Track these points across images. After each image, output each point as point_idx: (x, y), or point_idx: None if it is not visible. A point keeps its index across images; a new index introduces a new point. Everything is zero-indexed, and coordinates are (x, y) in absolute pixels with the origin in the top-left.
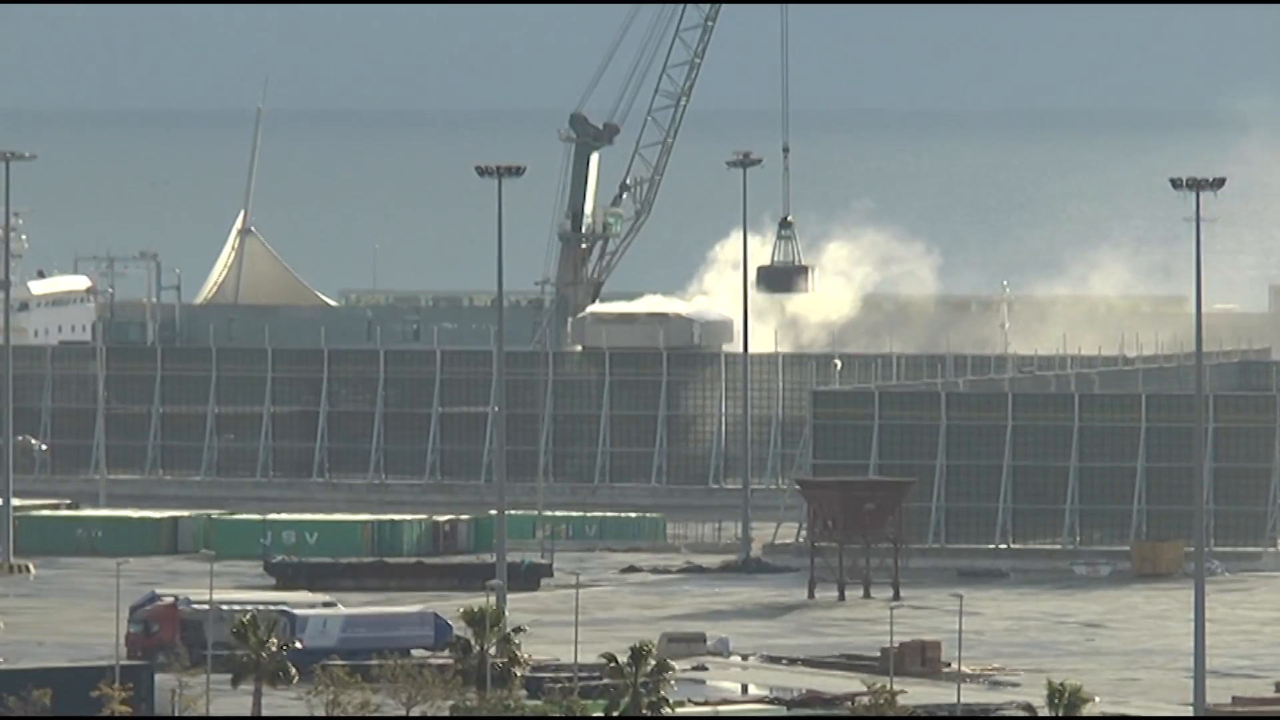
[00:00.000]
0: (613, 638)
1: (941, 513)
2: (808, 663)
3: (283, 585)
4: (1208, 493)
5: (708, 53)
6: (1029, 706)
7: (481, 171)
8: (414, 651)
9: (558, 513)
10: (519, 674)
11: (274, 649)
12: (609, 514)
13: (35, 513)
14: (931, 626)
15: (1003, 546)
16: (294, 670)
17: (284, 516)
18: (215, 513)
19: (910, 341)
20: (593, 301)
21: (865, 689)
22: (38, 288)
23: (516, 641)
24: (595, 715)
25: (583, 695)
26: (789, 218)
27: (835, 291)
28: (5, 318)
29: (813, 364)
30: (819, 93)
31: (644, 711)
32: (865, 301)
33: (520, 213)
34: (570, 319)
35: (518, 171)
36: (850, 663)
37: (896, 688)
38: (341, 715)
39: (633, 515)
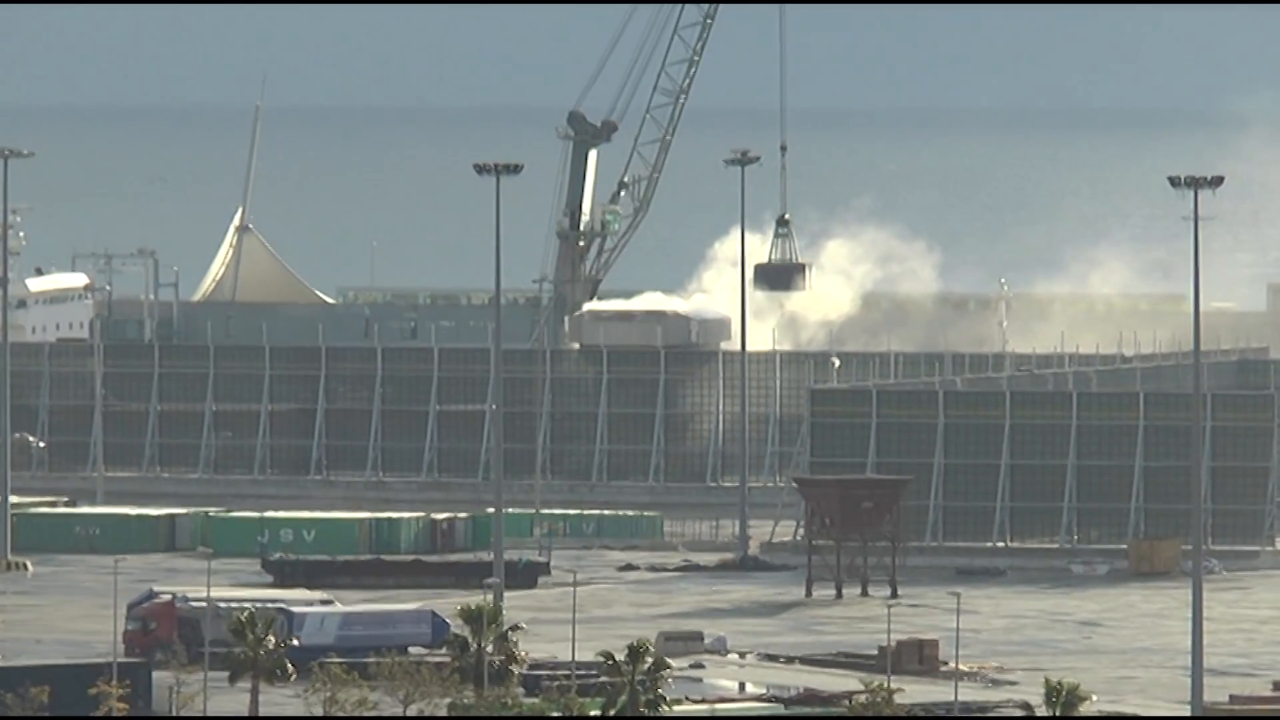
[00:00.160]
0: (610, 636)
1: (939, 511)
2: (805, 661)
3: (280, 583)
4: (1205, 491)
5: (706, 50)
6: (1026, 705)
7: (479, 169)
8: (411, 649)
9: (555, 511)
10: (516, 672)
11: (271, 646)
12: (606, 512)
13: (33, 510)
14: (929, 625)
15: (1000, 545)
16: (291, 668)
17: (281, 514)
18: (213, 510)
19: (908, 340)
20: (590, 299)
21: (863, 687)
22: (35, 285)
23: (514, 639)
24: (592, 714)
25: (580, 693)
26: (786, 216)
27: (834, 290)
28: (3, 315)
29: (811, 362)
30: (818, 91)
31: (641, 709)
32: (864, 300)
33: (518, 210)
34: (568, 317)
35: (515, 169)
36: (848, 661)
37: (894, 686)
38: (340, 715)
39: (630, 513)
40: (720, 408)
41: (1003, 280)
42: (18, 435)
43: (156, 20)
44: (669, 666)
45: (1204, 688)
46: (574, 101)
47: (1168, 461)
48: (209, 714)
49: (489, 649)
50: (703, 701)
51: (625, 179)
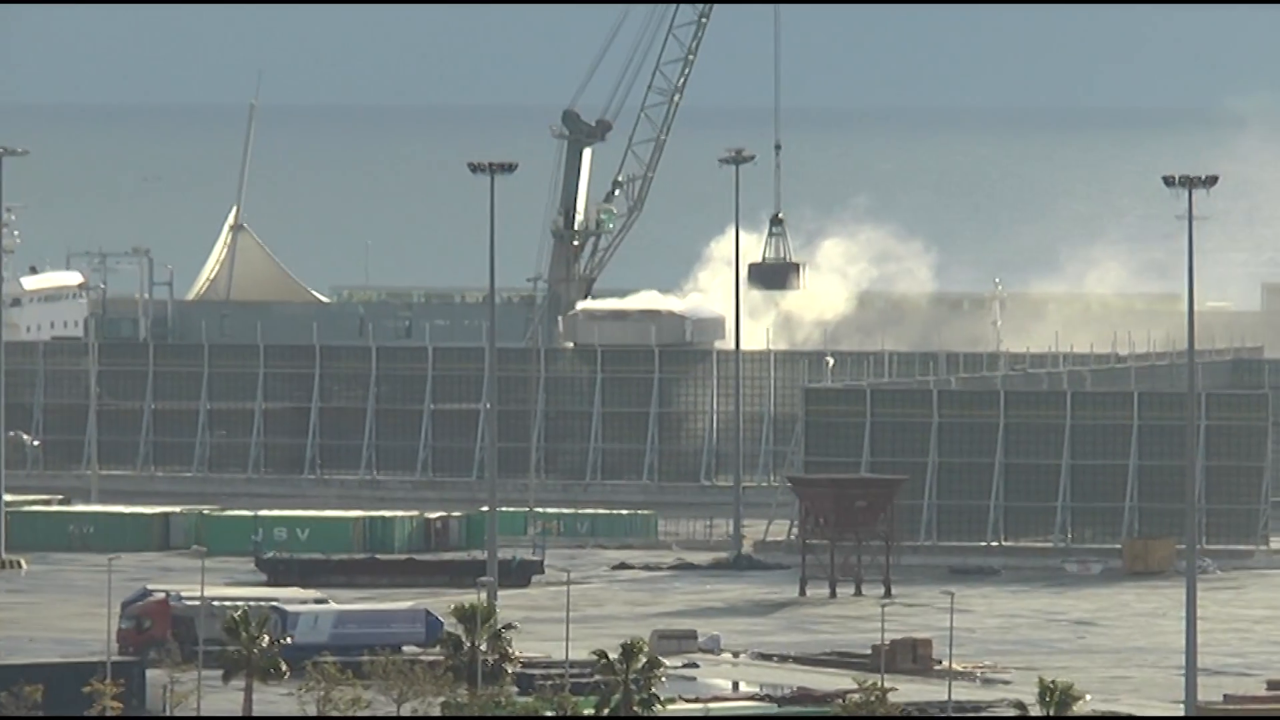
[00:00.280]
0: (604, 634)
1: (933, 510)
2: (799, 660)
3: (274, 581)
4: (1200, 491)
5: (701, 49)
6: (1020, 704)
7: (474, 168)
8: (405, 648)
9: (549, 509)
10: (510, 671)
11: (265, 645)
12: (600, 511)
13: (27, 508)
14: (923, 624)
15: (994, 544)
16: (285, 666)
17: (275, 513)
18: (207, 509)
19: (903, 339)
20: (585, 298)
21: (856, 686)
22: (30, 283)
23: (507, 638)
24: (586, 713)
25: (574, 692)
26: (780, 215)
27: (830, 289)
28: None
29: (805, 361)
30: (815, 90)
31: (635, 709)
32: (859, 299)
33: (513, 209)
34: (562, 316)
35: (510, 168)
36: (841, 660)
37: (888, 685)
38: (335, 715)
39: (624, 512)
40: (714, 407)
41: (997, 280)
42: (12, 433)
43: (151, 19)
44: (663, 665)
45: (1198, 687)
46: (569, 100)
47: (1162, 461)
48: (203, 713)
49: (483, 648)
50: (696, 701)
51: (620, 178)
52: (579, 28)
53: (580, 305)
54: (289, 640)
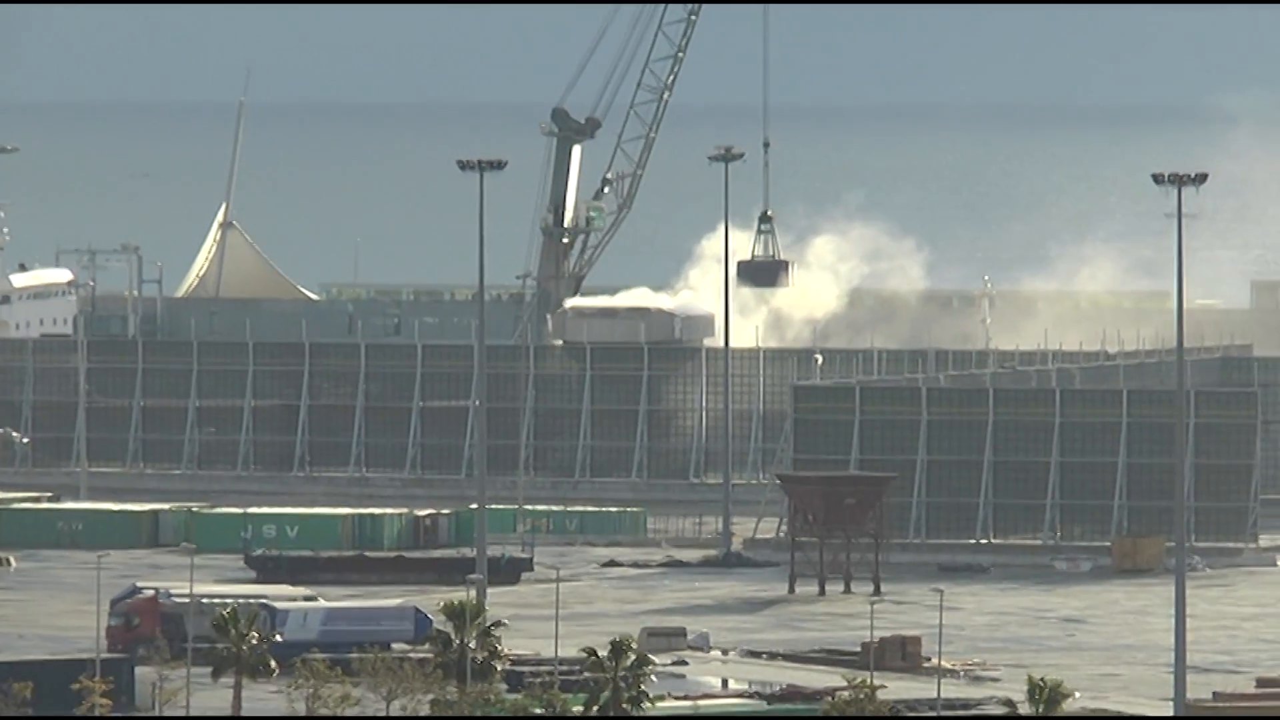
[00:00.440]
0: (593, 632)
1: (922, 508)
2: (788, 657)
3: (263, 579)
4: (1189, 488)
5: (690, 47)
6: (1009, 702)
7: (463, 165)
8: (394, 645)
9: (538, 507)
10: (499, 668)
11: (254, 642)
12: (589, 508)
13: (16, 505)
14: (912, 621)
15: (983, 541)
16: (274, 664)
17: (265, 510)
18: (196, 506)
19: (893, 337)
20: (574, 296)
21: (845, 684)
22: (19, 281)
23: (496, 635)
24: (575, 711)
25: (563, 689)
26: (769, 212)
27: (820, 286)
28: None
29: (794, 359)
30: (806, 88)
31: (624, 706)
32: (850, 296)
33: (502, 207)
34: (551, 313)
35: (499, 165)
36: (831, 657)
37: (877, 682)
38: (324, 715)
39: (613, 510)
40: (704, 404)
41: (986, 277)
42: (1, 430)
43: (141, 16)
44: (652, 663)
45: (1187, 685)
46: (558, 98)
47: (1151, 458)
48: (191, 710)
49: (472, 645)
50: (685, 698)
51: (609, 175)
52: (568, 25)
53: (569, 303)
54: (278, 638)
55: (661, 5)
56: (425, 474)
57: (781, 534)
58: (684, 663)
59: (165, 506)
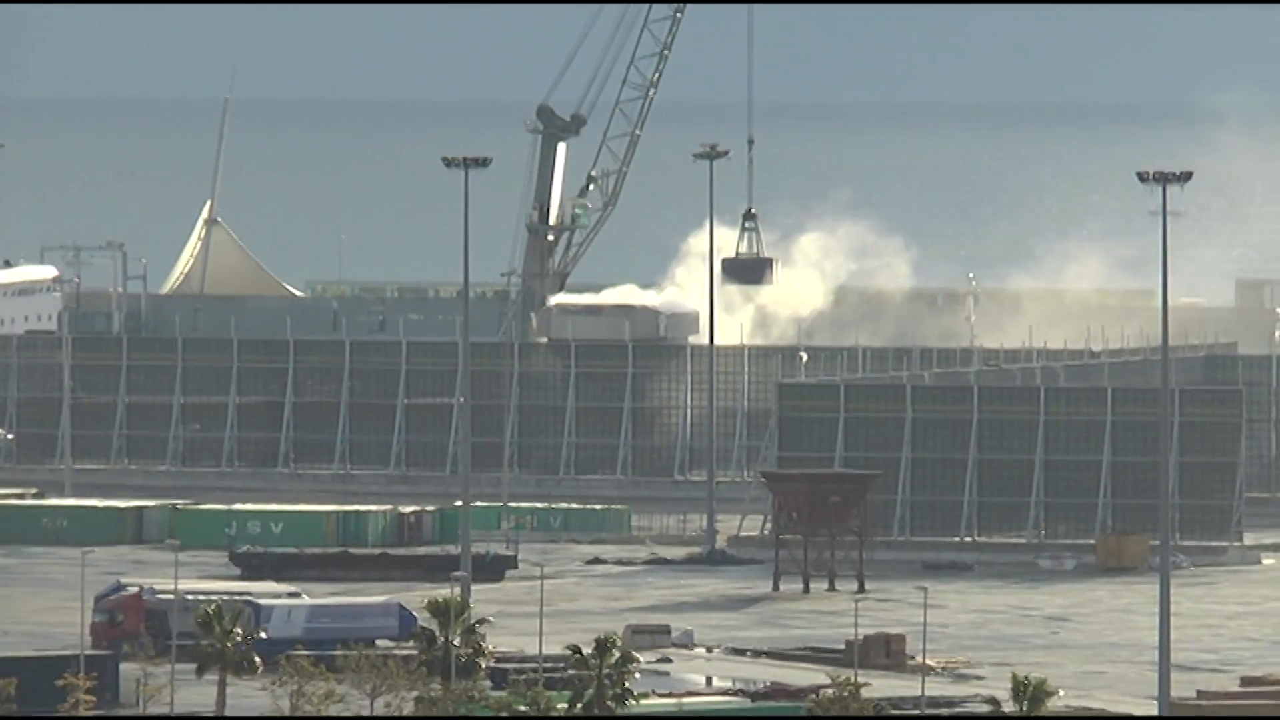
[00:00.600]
0: (577, 629)
1: (906, 505)
2: (772, 655)
3: (247, 575)
4: (1173, 487)
5: (675, 44)
6: (993, 699)
7: (448, 162)
8: (379, 642)
9: (523, 504)
10: (483, 665)
11: (239, 639)
12: (574, 506)
13: (1, 502)
14: (896, 619)
15: (968, 539)
16: (258, 661)
17: (249, 507)
18: (180, 503)
19: (879, 335)
20: (559, 293)
21: (829, 681)
22: (3, 277)
23: (481, 633)
24: (559, 709)
25: (547, 687)
26: (753, 210)
27: (806, 284)
28: None
29: (779, 356)
30: (792, 85)
31: (608, 703)
32: (836, 294)
33: (487, 204)
34: (535, 311)
35: (484, 163)
36: (815, 655)
37: (861, 680)
38: (309, 715)
39: (598, 507)
40: (688, 402)
41: (971, 275)
42: None
43: (126, 14)
44: (636, 660)
45: (1171, 683)
46: (543, 95)
47: (1136, 457)
48: (176, 706)
49: (456, 642)
50: (670, 695)
51: (594, 173)
52: (553, 23)
53: (554, 300)
54: (262, 634)
55: (647, 4)
56: (410, 471)
57: (766, 532)
58: (668, 660)
59: (150, 503)
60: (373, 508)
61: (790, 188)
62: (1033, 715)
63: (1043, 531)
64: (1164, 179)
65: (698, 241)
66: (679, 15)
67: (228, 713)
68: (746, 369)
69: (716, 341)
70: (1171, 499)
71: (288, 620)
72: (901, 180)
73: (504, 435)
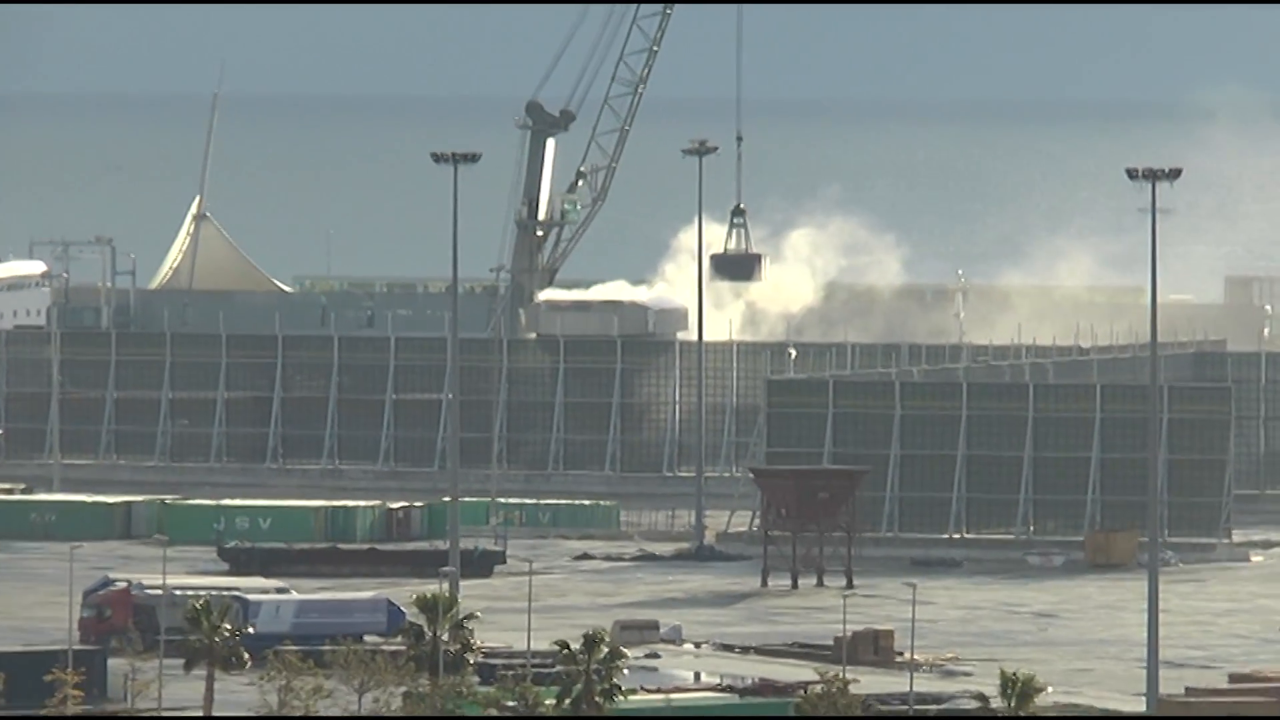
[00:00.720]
0: (566, 625)
1: (895, 502)
2: (760, 651)
3: (236, 571)
4: (1162, 484)
5: (665, 40)
6: (981, 696)
7: (437, 158)
8: (367, 637)
9: (511, 500)
10: (472, 661)
11: (227, 634)
12: (563, 501)
13: None
14: (884, 615)
15: (956, 536)
16: (246, 656)
17: (237, 502)
18: (169, 498)
19: (868, 331)
20: (547, 289)
21: (818, 677)
22: None
23: (469, 628)
24: (546, 706)
25: (535, 682)
26: (742, 206)
27: (796, 280)
28: None
29: (768, 352)
30: (782, 82)
31: (596, 699)
32: (825, 290)
33: (476, 200)
34: (524, 307)
35: (473, 158)
36: (803, 651)
37: (849, 676)
38: (295, 716)
39: (586, 503)
40: (677, 398)
41: (960, 271)
42: None
43: (114, 9)
44: (624, 656)
45: (1160, 680)
46: (532, 91)
47: (1124, 453)
48: (164, 702)
49: (444, 638)
50: (658, 691)
51: (583, 169)
52: (542, 19)
53: (543, 296)
54: (250, 629)
55: (635, 1)
56: (398, 466)
57: (754, 528)
58: (657, 656)
59: (138, 498)
60: (361, 503)
61: (780, 184)
62: (1023, 716)
63: (1031, 528)
64: (1153, 176)
65: (687, 237)
66: (668, 11)
67: (215, 708)
68: (735, 365)
69: (705, 337)
70: (1160, 496)
71: (276, 615)
72: (891, 176)
73: (493, 431)
